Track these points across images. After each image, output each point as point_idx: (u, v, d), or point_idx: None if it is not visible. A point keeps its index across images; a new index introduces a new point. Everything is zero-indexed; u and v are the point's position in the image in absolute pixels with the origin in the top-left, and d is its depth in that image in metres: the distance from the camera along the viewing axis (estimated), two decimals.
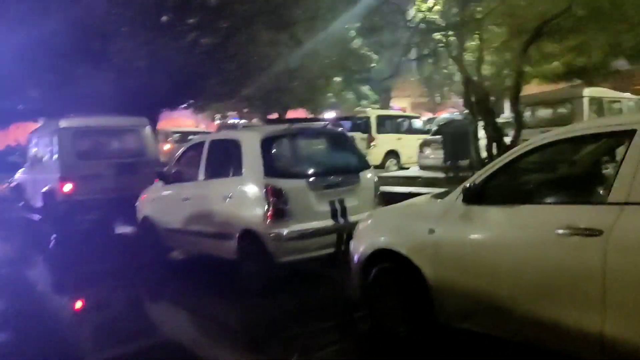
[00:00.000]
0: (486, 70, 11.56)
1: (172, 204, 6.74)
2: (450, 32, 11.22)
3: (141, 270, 6.95)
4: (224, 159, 6.05)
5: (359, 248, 4.16)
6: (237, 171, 5.78)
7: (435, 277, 3.42)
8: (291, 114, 23.07)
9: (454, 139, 9.54)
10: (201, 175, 6.27)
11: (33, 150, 10.32)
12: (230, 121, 27.56)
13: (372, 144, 14.40)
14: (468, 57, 10.76)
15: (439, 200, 3.75)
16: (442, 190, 4.72)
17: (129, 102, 11.73)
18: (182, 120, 27.08)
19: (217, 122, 27.50)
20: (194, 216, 6.31)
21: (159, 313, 5.76)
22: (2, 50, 12.68)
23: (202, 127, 27.42)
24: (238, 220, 5.63)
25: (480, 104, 8.98)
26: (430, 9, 12.26)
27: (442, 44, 11.88)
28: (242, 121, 26.74)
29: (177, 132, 18.73)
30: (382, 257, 3.89)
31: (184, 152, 7.04)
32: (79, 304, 6.31)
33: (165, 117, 17.36)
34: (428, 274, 3.47)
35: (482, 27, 10.25)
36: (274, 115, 21.59)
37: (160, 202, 7.10)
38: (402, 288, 3.75)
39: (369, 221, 4.32)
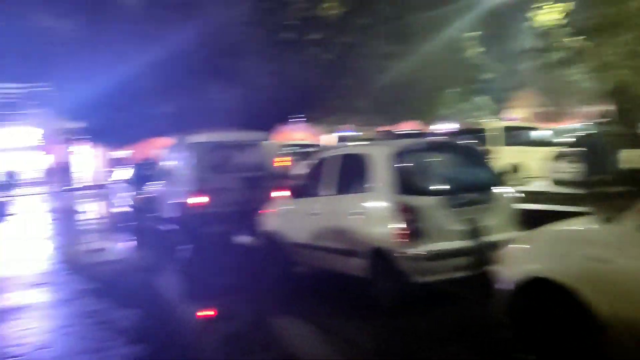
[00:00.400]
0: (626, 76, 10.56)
1: (300, 218, 6.80)
2: (582, 37, 10.43)
3: (268, 283, 7.07)
4: (354, 174, 5.98)
5: (507, 273, 3.84)
6: (368, 187, 5.68)
7: (613, 314, 3.00)
8: (402, 126, 22.80)
9: (596, 151, 8.74)
10: (330, 190, 6.25)
11: (166, 164, 11.01)
12: (341, 134, 27.81)
13: (490, 156, 13.68)
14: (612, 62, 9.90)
15: (609, 224, 3.34)
16: (582, 209, 4.25)
17: (250, 117, 12.20)
18: (293, 133, 27.76)
19: (331, 135, 27.84)
20: (322, 231, 6.30)
21: (287, 327, 5.78)
22: (138, 68, 13.81)
23: (314, 140, 27.88)
24: (368, 238, 5.52)
25: (631, 114, 8.18)
26: (559, 13, 11.51)
27: (572, 50, 11.08)
28: (352, 134, 26.86)
29: (288, 145, 19.10)
30: (536, 285, 3.54)
31: (312, 166, 7.09)
32: (207, 314, 6.49)
33: (277, 130, 17.92)
34: (601, 309, 3.04)
35: (623, 30, 9.40)
36: (385, 128, 21.43)
37: (287, 216, 7.19)
38: (561, 321, 3.38)
39: (519, 245, 3.99)
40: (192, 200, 9.16)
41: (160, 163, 11.87)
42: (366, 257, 5.51)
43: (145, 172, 15.80)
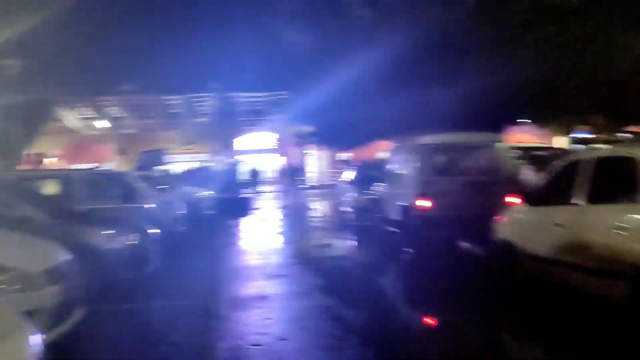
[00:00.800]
0: None
1: (540, 229, 6.08)
2: None
3: (499, 294, 6.50)
4: (614, 180, 5.10)
5: None
6: (632, 196, 4.76)
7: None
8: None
9: None
10: (581, 198, 5.43)
11: (392, 166, 11.07)
12: (577, 135, 24.96)
13: None
14: None
15: None
16: None
17: (475, 118, 11.57)
18: (519, 135, 25.81)
19: (566, 136, 25.22)
20: (569, 245, 5.51)
21: (518, 348, 5.21)
22: (363, 72, 14.23)
23: (544, 143, 25.55)
24: (633, 257, 4.61)
25: None
26: None
27: None
28: (588, 135, 23.89)
29: (516, 148, 17.71)
30: None
31: (554, 171, 6.31)
32: (428, 321, 6.28)
33: (503, 131, 16.72)
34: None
35: None
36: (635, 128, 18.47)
37: (524, 225, 6.52)
38: None
39: None
40: (416, 204, 9.00)
41: (385, 165, 12.02)
42: (629, 280, 4.62)
43: (368, 173, 16.27)
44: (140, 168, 20.50)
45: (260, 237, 13.64)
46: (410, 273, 8.58)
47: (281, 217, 18.74)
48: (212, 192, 18.92)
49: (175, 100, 30.76)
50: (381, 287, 7.95)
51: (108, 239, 7.02)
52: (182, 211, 12.82)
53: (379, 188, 12.10)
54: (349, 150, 32.41)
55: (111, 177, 11.11)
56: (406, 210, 9.57)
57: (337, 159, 37.27)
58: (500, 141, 9.46)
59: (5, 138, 17.98)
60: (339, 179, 18.44)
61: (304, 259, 9.86)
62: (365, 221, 13.43)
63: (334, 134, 20.47)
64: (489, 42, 11.64)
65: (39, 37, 18.77)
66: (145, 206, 10.68)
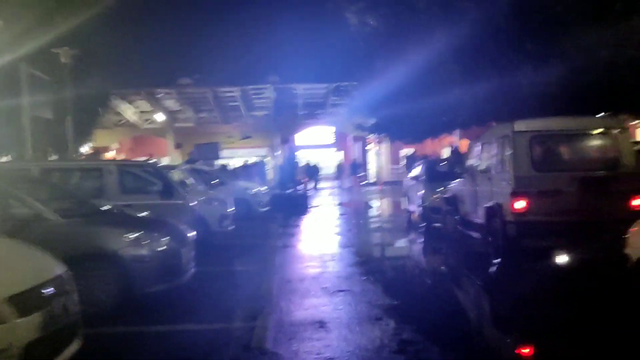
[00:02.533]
0: None
1: None
2: None
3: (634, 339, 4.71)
4: None
5: None
6: None
7: None
8: None
9: None
10: None
11: (475, 159, 9.31)
12: None
13: None
14: None
15: None
16: None
17: (574, 103, 9.64)
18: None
19: None
20: None
21: None
22: (433, 58, 12.50)
23: None
24: None
25: None
26: None
27: None
28: None
29: None
30: None
31: None
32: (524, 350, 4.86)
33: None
34: None
35: None
36: None
37: None
38: None
39: None
40: (510, 205, 7.23)
41: (460, 159, 10.29)
42: None
43: (439, 169, 14.47)
44: (191, 161, 19.64)
45: (318, 239, 12.17)
46: (501, 292, 6.85)
47: (341, 216, 17.19)
48: (267, 189, 17.67)
49: (232, 92, 29.88)
50: (466, 311, 6.30)
51: (132, 243, 5.75)
52: (230, 209, 11.57)
53: (456, 185, 10.35)
54: (412, 145, 30.50)
55: (151, 171, 9.93)
56: (495, 212, 7.81)
57: (400, 154, 35.38)
58: (622, 126, 7.49)
59: (58, 131, 17.54)
60: (407, 175, 16.71)
61: (368, 267, 8.29)
62: (437, 223, 11.72)
63: (397, 127, 18.85)
64: (594, 13, 9.62)
65: (95, 30, 18.41)
66: (188, 203, 9.46)
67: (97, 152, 32.08)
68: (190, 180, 11.98)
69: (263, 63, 29.13)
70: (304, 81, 29.00)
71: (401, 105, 15.72)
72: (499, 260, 7.72)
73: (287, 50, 28.19)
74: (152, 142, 35.50)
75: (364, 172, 34.84)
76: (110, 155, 31.85)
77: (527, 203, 7.18)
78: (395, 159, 34.54)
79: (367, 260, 9.09)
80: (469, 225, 9.42)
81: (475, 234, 9.11)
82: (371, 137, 35.12)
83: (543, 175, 7.27)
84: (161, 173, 9.91)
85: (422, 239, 11.74)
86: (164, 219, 6.83)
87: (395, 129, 19.38)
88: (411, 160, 30.02)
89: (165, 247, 5.99)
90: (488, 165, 8.45)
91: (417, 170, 14.72)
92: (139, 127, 33.61)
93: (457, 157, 14.42)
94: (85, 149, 35.23)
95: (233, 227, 11.32)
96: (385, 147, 34.85)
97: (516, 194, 7.25)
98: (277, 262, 8.83)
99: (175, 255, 6.10)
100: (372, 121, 20.91)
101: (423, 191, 13.07)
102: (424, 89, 13.95)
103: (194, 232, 6.92)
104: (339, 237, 12.17)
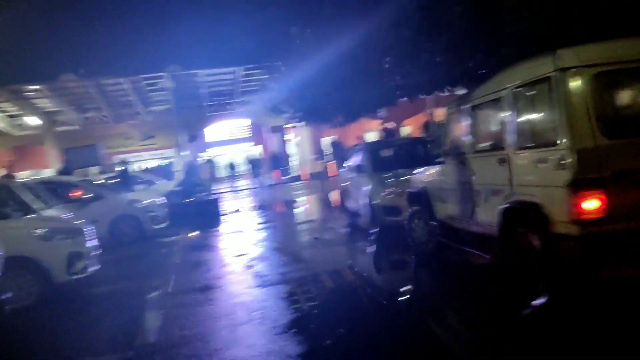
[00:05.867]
0: None
1: None
2: None
3: None
4: None
5: None
6: None
7: None
8: None
9: None
10: None
11: (465, 132, 5.87)
12: None
13: None
14: None
15: None
16: None
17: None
18: None
19: None
20: None
21: None
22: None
23: None
24: None
25: None
26: None
27: None
28: None
29: None
30: None
31: None
32: None
33: None
34: None
35: None
36: None
37: None
38: None
39: None
40: (573, 206, 3.87)
41: (439, 137, 6.97)
42: None
43: (386, 155, 11.16)
44: (65, 171, 15.14)
45: (232, 272, 8.23)
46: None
47: (264, 224, 13.38)
48: (163, 199, 13.56)
49: (121, 85, 25.04)
50: None
51: None
52: (91, 240, 7.56)
53: (430, 175, 6.94)
54: (334, 131, 27.25)
55: None
56: (529, 220, 4.44)
57: (321, 142, 32.04)
58: None
59: None
60: (343, 166, 13.26)
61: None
62: (395, 228, 8.38)
63: (318, 114, 15.40)
64: None
65: None
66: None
67: None
68: (37, 201, 7.98)
69: (160, 50, 24.78)
70: (206, 67, 24.79)
71: (320, 90, 12.43)
72: (542, 301, 4.36)
73: (185, 34, 24.11)
74: (30, 153, 29.96)
75: (286, 166, 31.16)
76: None
77: (605, 200, 3.85)
78: (317, 149, 31.19)
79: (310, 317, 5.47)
80: (461, 236, 6.04)
81: (479, 253, 5.73)
82: (290, 126, 31.63)
83: (622, 146, 3.97)
84: None
85: (374, 250, 8.36)
86: None
87: (315, 117, 15.86)
88: (337, 149, 26.82)
89: None
90: (499, 138, 5.04)
91: (355, 159, 11.30)
92: (10, 135, 27.82)
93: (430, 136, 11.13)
94: None
95: (93, 268, 7.32)
96: (305, 136, 31.40)
97: (582, 186, 3.89)
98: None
99: None
100: (290, 110, 17.21)
101: (369, 185, 9.66)
102: (346, 70, 10.69)
103: None
104: (265, 263, 8.32)
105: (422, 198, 7.06)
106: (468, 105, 5.69)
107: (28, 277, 6.56)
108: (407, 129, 28.47)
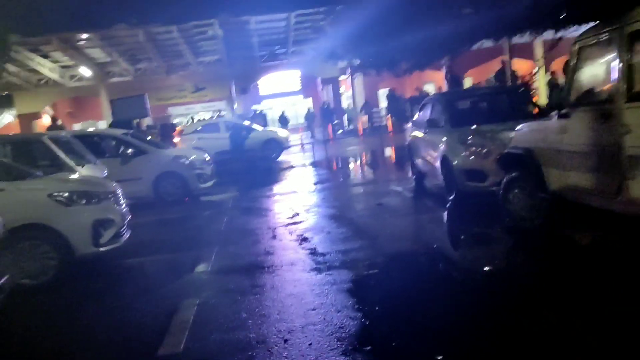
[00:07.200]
0: None
1: None
2: None
3: None
4: None
5: None
6: None
7: None
8: None
9: None
10: None
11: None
12: None
13: None
14: None
15: None
16: None
17: None
18: None
19: None
20: None
21: None
22: None
23: None
24: None
25: None
26: None
27: None
28: None
29: None
30: None
31: None
32: None
33: None
34: None
35: None
36: None
37: None
38: None
39: None
40: None
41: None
42: None
43: (461, 107, 9.52)
44: (118, 124, 14.28)
45: (285, 244, 6.92)
46: None
47: (320, 184, 11.99)
48: (208, 155, 12.47)
49: (171, 33, 23.85)
50: None
51: None
52: (119, 206, 6.44)
53: (545, 134, 5.31)
54: (390, 83, 25.29)
55: None
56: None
57: (378, 95, 30.13)
58: None
59: None
60: (410, 121, 11.67)
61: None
62: (482, 198, 6.87)
63: (380, 59, 13.71)
64: None
65: None
66: None
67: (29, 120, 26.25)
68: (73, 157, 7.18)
69: None
70: (257, 13, 23.16)
71: (378, 40, 10.77)
72: None
73: None
74: (91, 104, 29.84)
75: (340, 120, 29.58)
76: (44, 123, 25.90)
77: None
78: (373, 102, 29.38)
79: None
80: (591, 217, 4.49)
81: (615, 239, 4.18)
82: (344, 77, 29.80)
83: None
84: None
85: (458, 225, 6.90)
86: None
87: (382, 58, 14.17)
88: (394, 101, 24.91)
89: None
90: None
91: (425, 112, 9.70)
92: (64, 86, 27.40)
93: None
94: (5, 117, 29.19)
95: (125, 237, 6.24)
96: (359, 88, 29.57)
97: None
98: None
99: None
100: (350, 51, 15.55)
101: (446, 143, 8.09)
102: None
103: None
104: (317, 239, 6.96)
105: (526, 162, 5.47)
106: (618, 34, 4.01)
107: (45, 248, 5.54)
108: (469, 80, 26.19)
